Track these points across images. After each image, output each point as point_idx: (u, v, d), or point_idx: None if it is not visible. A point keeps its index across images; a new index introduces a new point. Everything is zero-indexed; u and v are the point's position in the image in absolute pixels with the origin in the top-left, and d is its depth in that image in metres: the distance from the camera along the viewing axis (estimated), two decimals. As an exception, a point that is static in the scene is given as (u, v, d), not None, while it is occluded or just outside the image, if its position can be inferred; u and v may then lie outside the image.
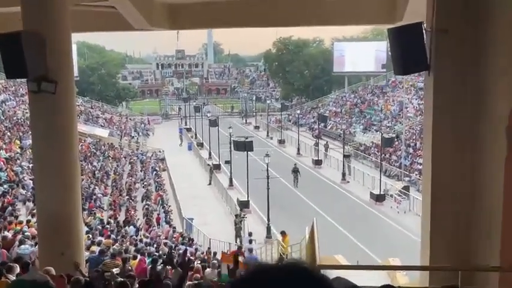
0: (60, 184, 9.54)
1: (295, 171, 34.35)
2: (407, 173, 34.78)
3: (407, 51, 7.84)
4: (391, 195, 30.03)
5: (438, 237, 8.39)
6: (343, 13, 12.38)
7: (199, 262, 14.98)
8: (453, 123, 7.93)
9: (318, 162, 40.89)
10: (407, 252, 19.26)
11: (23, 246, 12.13)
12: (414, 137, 39.74)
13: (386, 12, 11.67)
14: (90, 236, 17.72)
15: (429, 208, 8.47)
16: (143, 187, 32.46)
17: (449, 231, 8.31)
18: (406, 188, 30.41)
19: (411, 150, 37.83)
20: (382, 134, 34.88)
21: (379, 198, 29.87)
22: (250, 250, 18.29)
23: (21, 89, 48.70)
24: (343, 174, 35.78)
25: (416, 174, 33.24)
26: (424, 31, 7.76)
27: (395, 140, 37.95)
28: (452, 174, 8.13)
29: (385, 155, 37.74)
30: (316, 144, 43.48)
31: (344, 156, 37.22)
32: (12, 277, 8.57)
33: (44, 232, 9.77)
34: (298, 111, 61.49)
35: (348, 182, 35.45)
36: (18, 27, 9.22)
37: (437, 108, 7.95)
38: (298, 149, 46.08)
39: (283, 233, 20.32)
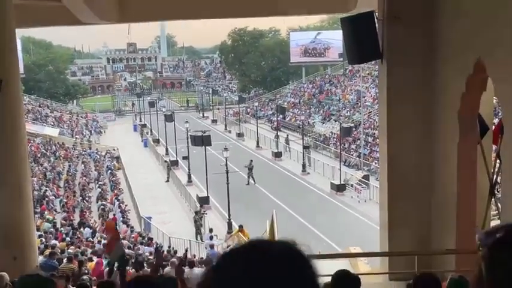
0: (9, 187, 9.06)
1: (250, 168, 33.15)
2: (366, 162, 35.03)
3: (360, 40, 7.84)
4: (352, 185, 30.19)
5: (396, 225, 8.59)
6: (296, 3, 12.14)
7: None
8: (407, 110, 8.15)
9: (277, 155, 40.76)
10: (369, 241, 19.33)
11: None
12: (373, 126, 40.05)
13: (339, 1, 11.41)
14: (43, 239, 17.06)
15: (386, 197, 8.59)
16: (98, 187, 31.48)
17: (407, 219, 8.46)
18: (366, 177, 30.66)
19: (370, 140, 38.16)
20: (340, 123, 34.96)
21: (339, 188, 29.96)
22: (212, 246, 17.92)
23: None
24: (303, 166, 35.74)
25: (375, 163, 33.47)
26: (376, 20, 7.71)
27: (354, 129, 38.11)
28: (408, 161, 8.32)
29: (345, 144, 37.95)
30: (276, 137, 43.25)
31: (304, 147, 37.17)
32: None
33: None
34: (256, 104, 61.33)
35: (308, 173, 35.45)
36: None
37: (391, 95, 8.09)
38: (258, 142, 45.83)
39: (240, 227, 20.01)
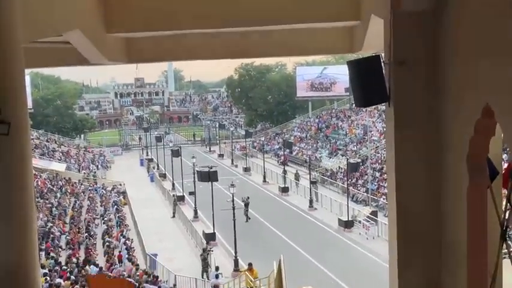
0: (16, 226, 8.86)
1: (246, 204, 32.59)
2: (374, 197, 34.72)
3: (366, 83, 7.81)
4: (359, 221, 29.87)
5: (405, 267, 8.33)
6: (303, 44, 12.28)
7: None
8: (415, 153, 7.99)
9: (284, 190, 40.55)
10: (378, 280, 19.00)
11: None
12: (380, 161, 39.88)
13: (345, 43, 11.52)
14: (48, 278, 16.83)
15: (396, 238, 8.37)
16: (103, 223, 31.29)
17: (416, 261, 8.24)
18: (374, 213, 30.34)
19: (377, 174, 37.90)
20: (347, 159, 34.84)
21: (347, 224, 29.64)
22: (216, 286, 17.63)
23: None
24: (311, 201, 35.51)
25: (383, 199, 33.18)
26: (382, 63, 7.70)
27: (361, 164, 37.94)
28: (416, 204, 8.16)
29: (352, 179, 37.72)
30: (284, 172, 43.04)
31: (311, 182, 36.99)
32: None
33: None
34: (263, 138, 61.47)
35: (316, 209, 35.19)
36: None
37: (398, 139, 7.94)
38: (264, 177, 45.69)
39: (249, 266, 19.67)
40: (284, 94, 75.22)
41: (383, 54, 8.04)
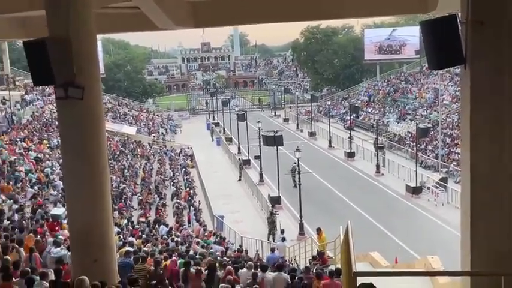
0: (90, 193, 9.43)
1: (293, 171, 30.60)
2: (444, 163, 33.62)
3: (441, 44, 7.42)
4: (428, 188, 29.11)
5: (479, 237, 8.00)
6: (374, 4, 11.74)
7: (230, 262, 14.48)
8: (492, 115, 7.57)
9: (350, 155, 40.03)
10: (447, 248, 18.52)
11: (55, 249, 12.05)
12: (451, 126, 38.43)
13: (418, 2, 10.92)
14: (121, 236, 17.58)
15: (469, 206, 8.03)
16: (173, 185, 32.28)
17: (492, 232, 7.87)
18: (444, 179, 29.45)
19: (448, 140, 36.59)
20: (417, 123, 33.80)
21: (415, 190, 28.98)
22: (272, 250, 17.77)
23: (47, 89, 49.09)
24: (377, 167, 34.92)
25: (454, 165, 32.10)
26: (459, 23, 7.24)
27: (431, 129, 36.70)
28: (492, 168, 7.70)
29: (421, 145, 36.62)
30: (350, 137, 42.38)
31: (378, 147, 36.23)
32: (46, 284, 8.55)
33: (76, 241, 9.62)
34: (329, 102, 60.69)
35: (383, 174, 34.59)
36: (45, 32, 9.08)
37: (475, 102, 7.58)
38: (330, 142, 45.32)
39: (318, 230, 19.67)
40: (351, 57, 73.46)
41: (459, 14, 7.60)
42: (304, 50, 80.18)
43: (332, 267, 12.45)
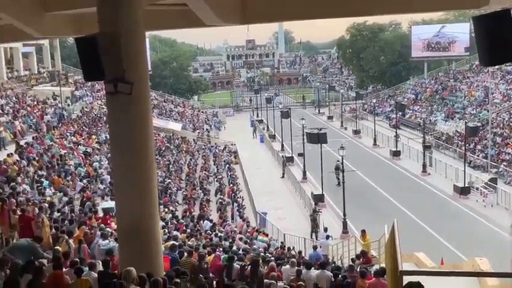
0: (138, 187, 9.59)
1: (337, 169, 30.12)
2: (494, 163, 32.56)
3: (494, 40, 7.08)
4: (477, 188, 28.28)
5: None
6: (424, 0, 11.36)
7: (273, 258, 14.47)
8: None
9: (396, 154, 39.32)
10: (496, 250, 17.99)
11: (104, 241, 12.34)
12: (502, 125, 37.18)
13: (471, -4, 10.54)
14: (166, 230, 17.84)
15: None
16: (216, 181, 32.56)
17: None
18: (493, 180, 28.62)
19: (498, 140, 35.41)
20: (466, 122, 32.86)
21: (463, 191, 28.23)
22: (315, 247, 17.64)
23: (96, 85, 50.43)
24: (424, 166, 34.17)
25: (504, 165, 31.05)
26: None
27: (481, 128, 35.61)
28: None
29: (469, 144, 35.60)
30: (396, 135, 41.62)
31: (424, 146, 35.44)
32: (94, 274, 8.77)
33: (124, 233, 9.83)
34: (374, 100, 59.74)
35: (429, 174, 33.84)
36: (96, 30, 9.30)
37: None
38: (375, 140, 44.64)
39: (363, 232, 19.40)
40: (398, 54, 72.08)
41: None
42: (349, 47, 79.26)
43: (376, 267, 12.27)
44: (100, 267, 9.22)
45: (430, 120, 47.34)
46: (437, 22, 68.75)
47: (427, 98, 55.32)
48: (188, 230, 19.25)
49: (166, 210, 23.11)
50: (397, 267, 6.49)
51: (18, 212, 13.93)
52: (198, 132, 53.04)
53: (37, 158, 23.27)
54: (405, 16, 73.44)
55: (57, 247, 11.40)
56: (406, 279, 5.03)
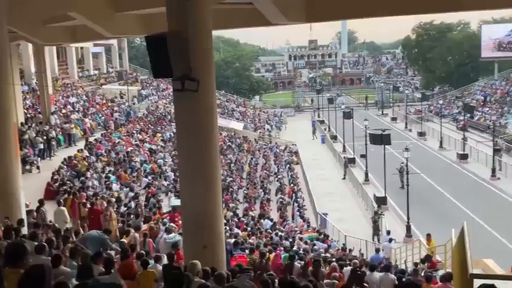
0: (202, 182, 9.77)
1: (401, 171, 29.51)
2: None
3: None
4: (551, 195, 26.74)
5: None
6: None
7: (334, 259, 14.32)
8: None
9: (463, 157, 37.88)
10: None
11: (170, 235, 12.60)
12: None
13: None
14: (227, 228, 18.06)
15: None
16: (277, 180, 32.59)
17: None
18: None
19: None
20: (539, 125, 31.20)
21: (535, 197, 26.77)
22: (377, 250, 17.26)
23: (161, 84, 51.73)
24: (493, 170, 32.70)
25: None
26: None
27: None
28: None
29: (543, 149, 33.78)
30: (464, 138, 40.10)
31: (494, 150, 33.93)
32: (159, 266, 8.96)
33: (188, 227, 10.06)
34: (441, 101, 57.86)
35: (499, 178, 32.35)
36: (164, 28, 9.56)
37: None
38: (441, 142, 43.19)
39: (428, 236, 18.83)
40: (466, 55, 69.45)
41: None
42: (415, 47, 77.35)
43: (442, 271, 11.87)
44: (165, 261, 9.44)
45: (500, 123, 45.29)
46: (509, 21, 65.67)
47: (497, 100, 52.98)
48: (249, 228, 19.40)
49: (227, 208, 23.36)
50: (466, 270, 6.21)
51: (88, 205, 14.52)
52: (259, 132, 53.31)
53: (105, 154, 24.17)
54: (474, 15, 70.74)
55: (123, 240, 11.79)
56: (479, 282, 4.82)
